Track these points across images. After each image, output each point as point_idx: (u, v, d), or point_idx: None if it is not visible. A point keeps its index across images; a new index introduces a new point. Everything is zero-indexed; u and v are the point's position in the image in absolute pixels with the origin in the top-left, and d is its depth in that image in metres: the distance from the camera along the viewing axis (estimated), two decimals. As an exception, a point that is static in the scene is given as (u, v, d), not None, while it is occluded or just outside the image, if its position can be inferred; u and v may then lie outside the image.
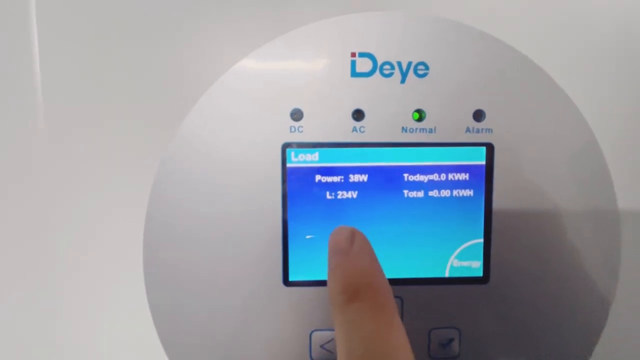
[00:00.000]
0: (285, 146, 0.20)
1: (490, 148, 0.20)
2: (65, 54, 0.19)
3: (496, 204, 0.20)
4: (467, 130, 0.20)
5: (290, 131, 0.20)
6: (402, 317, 0.21)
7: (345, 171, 0.20)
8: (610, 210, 0.21)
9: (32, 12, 0.19)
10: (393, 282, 0.20)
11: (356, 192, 0.20)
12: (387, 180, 0.20)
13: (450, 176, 0.20)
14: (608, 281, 0.21)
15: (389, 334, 0.14)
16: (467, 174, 0.20)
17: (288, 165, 0.20)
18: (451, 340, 0.21)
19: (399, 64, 0.20)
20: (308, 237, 0.20)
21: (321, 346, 0.21)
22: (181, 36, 0.19)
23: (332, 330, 0.20)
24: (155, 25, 0.19)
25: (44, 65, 0.19)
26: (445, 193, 0.20)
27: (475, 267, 0.21)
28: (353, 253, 0.16)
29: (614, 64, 0.20)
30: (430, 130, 0.20)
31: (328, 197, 0.20)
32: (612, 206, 0.21)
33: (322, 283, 0.20)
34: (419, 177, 0.20)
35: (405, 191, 0.20)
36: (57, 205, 0.20)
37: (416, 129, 0.20)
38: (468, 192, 0.20)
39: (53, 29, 0.19)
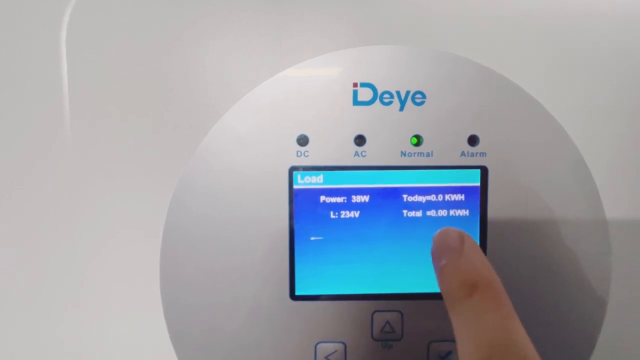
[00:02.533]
0: (292, 169, 0.21)
1: (484, 171, 0.22)
2: (92, 75, 0.21)
3: (490, 222, 0.22)
4: (462, 154, 0.21)
5: (297, 155, 0.21)
6: (402, 330, 0.22)
7: (347, 192, 0.22)
8: (598, 220, 0.22)
9: (63, 29, 0.21)
10: (393, 296, 0.22)
11: (358, 212, 0.22)
12: (387, 201, 0.22)
13: (447, 197, 0.22)
14: (601, 286, 0.22)
15: (513, 324, 0.15)
16: (463, 195, 0.22)
17: (294, 186, 0.21)
18: (449, 352, 0.22)
19: (398, 93, 0.21)
20: (318, 268, 0.22)
21: (326, 357, 0.22)
22: (201, 67, 0.21)
23: (337, 342, 0.21)
24: (178, 58, 0.21)
25: (72, 85, 0.21)
26: (443, 213, 0.22)
27: (471, 283, 0.22)
28: (466, 251, 0.17)
29: (599, 87, 0.22)
30: (428, 154, 0.21)
31: (332, 216, 0.22)
32: (600, 215, 0.22)
33: (327, 297, 0.22)
34: (418, 198, 0.22)
35: (405, 211, 0.22)
36: (85, 211, 0.22)
37: (414, 153, 0.21)
38: (464, 212, 0.22)
39: (82, 51, 0.21)
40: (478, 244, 0.22)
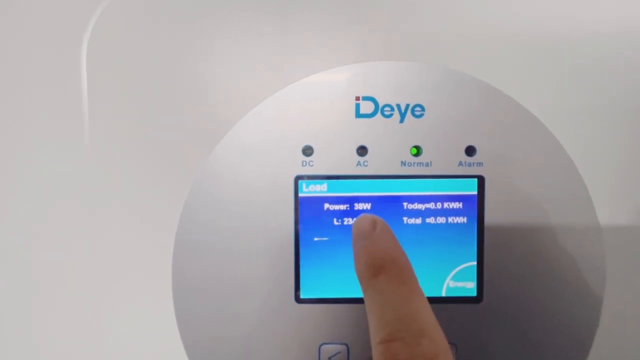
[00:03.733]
0: (298, 178, 0.22)
1: (481, 180, 0.23)
2: (110, 93, 0.23)
3: (488, 229, 0.23)
4: (460, 164, 0.22)
5: (302, 165, 0.22)
6: (402, 332, 0.23)
7: (350, 200, 0.23)
8: (592, 225, 0.23)
9: (84, 47, 0.22)
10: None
11: (361, 219, 0.23)
12: (388, 209, 0.23)
13: (446, 205, 0.23)
14: (596, 290, 0.23)
15: (416, 300, 0.16)
16: (461, 203, 0.23)
17: (300, 195, 0.22)
18: (448, 354, 0.23)
19: (398, 106, 0.22)
20: (322, 272, 0.23)
21: (329, 358, 0.23)
22: (212, 82, 0.22)
23: (340, 344, 0.22)
24: (190, 73, 0.22)
25: (92, 105, 0.23)
26: (441, 220, 0.23)
27: (469, 287, 0.23)
28: (376, 235, 0.18)
29: (590, 99, 0.23)
30: (427, 164, 0.22)
31: (335, 223, 0.23)
32: (593, 221, 0.23)
33: (330, 300, 0.23)
34: (417, 206, 0.23)
35: (405, 218, 0.23)
36: (98, 219, 0.23)
37: (414, 163, 0.22)
38: (462, 219, 0.23)
39: (102, 72, 0.22)
40: (475, 250, 0.23)
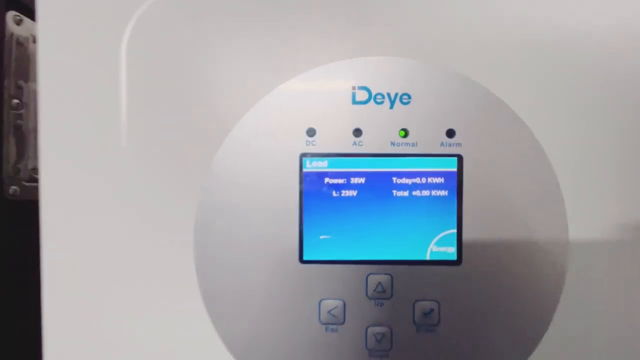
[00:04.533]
0: (302, 155, 0.26)
1: (460, 158, 0.26)
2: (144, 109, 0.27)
3: (466, 201, 0.26)
4: (442, 144, 0.26)
5: (306, 144, 0.26)
6: (392, 290, 0.26)
7: (347, 175, 0.26)
8: (556, 201, 0.26)
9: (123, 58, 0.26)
10: (385, 262, 0.26)
11: (356, 192, 0.26)
12: (379, 183, 0.26)
13: (429, 180, 0.26)
14: (561, 258, 0.26)
15: None
16: (443, 178, 0.26)
17: (304, 170, 0.26)
18: (432, 310, 0.26)
19: (388, 94, 0.26)
20: (322, 237, 0.26)
21: (328, 312, 0.26)
22: (227, 75, 0.26)
23: (337, 299, 0.26)
24: (202, 70, 0.26)
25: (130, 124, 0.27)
26: (425, 193, 0.26)
27: (450, 252, 0.26)
28: None
29: (566, 92, 0.26)
30: (413, 144, 0.26)
31: (334, 195, 0.26)
32: (558, 198, 0.26)
33: (329, 262, 0.26)
34: (405, 181, 0.26)
35: (394, 191, 0.26)
36: (135, 208, 0.27)
37: (402, 143, 0.26)
38: (443, 193, 0.26)
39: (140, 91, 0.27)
40: (455, 220, 0.26)
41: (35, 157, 0.41)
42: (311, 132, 0.26)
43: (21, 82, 0.39)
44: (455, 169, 0.26)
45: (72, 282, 0.27)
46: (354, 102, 0.26)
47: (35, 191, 0.40)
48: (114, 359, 0.27)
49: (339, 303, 0.26)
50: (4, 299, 0.37)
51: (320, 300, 0.26)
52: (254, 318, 0.26)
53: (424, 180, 0.26)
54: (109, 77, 0.27)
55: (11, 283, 0.38)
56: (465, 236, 0.26)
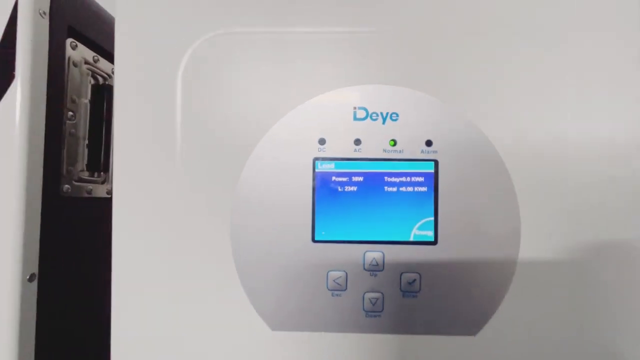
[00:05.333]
0: (315, 159, 0.34)
1: (436, 163, 0.34)
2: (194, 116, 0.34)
3: (441, 196, 0.34)
4: (422, 151, 0.34)
5: (318, 151, 0.34)
6: (383, 264, 0.34)
7: (349, 175, 0.34)
8: (511, 197, 0.34)
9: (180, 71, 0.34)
10: (378, 242, 0.33)
11: (356, 187, 0.34)
12: (374, 181, 0.34)
13: (413, 179, 0.34)
14: (514, 241, 0.34)
15: None
16: (423, 178, 0.34)
17: (316, 171, 0.34)
18: (414, 280, 0.34)
19: (382, 113, 0.34)
20: (327, 200, 0.34)
21: (334, 280, 0.34)
22: (255, 98, 0.34)
23: (341, 271, 0.33)
24: (229, 97, 0.34)
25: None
26: (410, 189, 0.34)
27: (429, 235, 0.34)
28: None
29: (528, 107, 0.34)
30: (400, 151, 0.34)
31: (339, 190, 0.34)
32: (512, 195, 0.34)
33: (335, 241, 0.34)
34: (393, 179, 0.34)
35: (385, 187, 0.34)
36: (183, 206, 0.34)
37: (392, 150, 0.34)
38: (423, 189, 0.34)
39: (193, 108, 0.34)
40: (433, 210, 0.34)
41: (83, 160, 0.48)
42: (322, 142, 0.34)
43: (74, 97, 0.47)
44: (432, 171, 0.34)
45: (139, 262, 0.34)
46: (355, 118, 0.34)
47: (82, 189, 0.47)
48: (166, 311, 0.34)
49: (342, 274, 0.34)
50: (56, 280, 0.44)
51: (328, 272, 0.34)
52: (276, 285, 0.34)
53: (408, 179, 0.34)
54: (167, 102, 0.35)
55: (63, 265, 0.45)
56: (441, 223, 0.34)
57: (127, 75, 0.35)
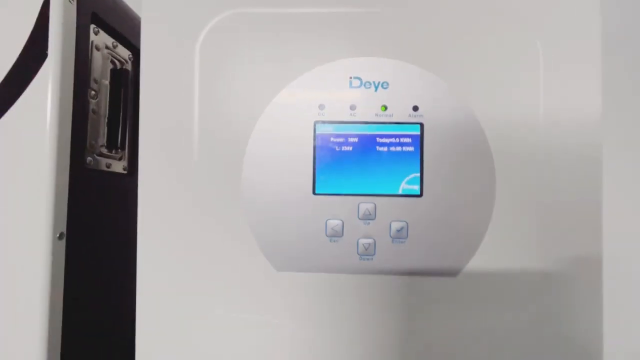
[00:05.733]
0: (315, 122, 0.39)
1: (422, 125, 0.39)
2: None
3: (426, 155, 0.39)
4: (409, 115, 0.39)
5: (318, 115, 0.39)
6: (375, 213, 0.38)
7: (346, 136, 0.39)
8: (487, 157, 0.38)
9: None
10: (371, 195, 0.38)
11: (351, 147, 0.39)
12: (367, 142, 0.39)
13: (401, 140, 0.39)
14: (488, 190, 0.38)
15: None
16: (410, 139, 0.39)
17: (317, 132, 0.39)
18: (402, 227, 0.38)
19: (374, 82, 0.39)
20: (325, 158, 0.39)
21: (332, 228, 0.38)
22: (260, 70, 0.39)
23: (338, 220, 0.38)
24: (235, 75, 0.39)
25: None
26: (398, 149, 0.39)
27: (415, 189, 0.39)
28: None
29: (507, 73, 0.39)
30: (390, 115, 0.39)
31: (337, 149, 0.39)
32: (489, 156, 0.38)
33: (333, 194, 0.38)
34: (385, 140, 0.39)
35: (377, 147, 0.39)
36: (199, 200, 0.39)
37: (382, 114, 0.39)
38: (411, 149, 0.39)
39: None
40: (419, 167, 0.39)
41: (104, 136, 0.53)
42: (322, 107, 0.39)
43: (97, 78, 0.52)
44: (418, 133, 0.39)
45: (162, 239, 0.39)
46: (350, 86, 0.39)
47: (102, 163, 0.52)
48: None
49: (339, 222, 0.38)
50: (81, 239, 0.48)
51: (327, 220, 0.38)
52: (281, 232, 0.38)
53: (397, 140, 0.39)
54: (186, 74, 0.39)
55: (87, 228, 0.50)
56: (426, 178, 0.39)
57: (151, 52, 0.40)
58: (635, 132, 0.71)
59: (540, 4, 0.39)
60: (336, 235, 0.38)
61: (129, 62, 0.59)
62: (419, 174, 0.38)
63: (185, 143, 0.39)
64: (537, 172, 0.38)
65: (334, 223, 0.38)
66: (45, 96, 0.42)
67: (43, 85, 0.42)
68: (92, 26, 0.51)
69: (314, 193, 0.38)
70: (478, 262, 0.38)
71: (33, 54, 0.43)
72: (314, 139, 0.39)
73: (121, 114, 0.57)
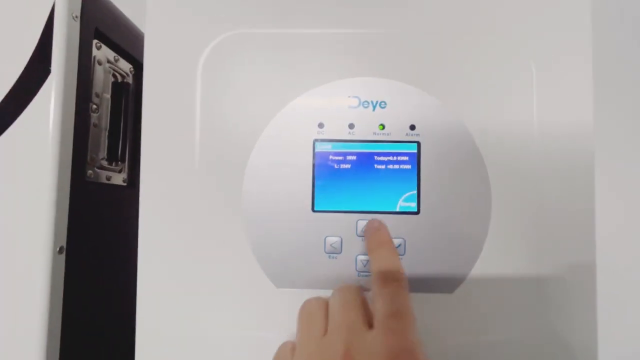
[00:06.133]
0: (315, 140, 0.39)
1: (419, 144, 0.40)
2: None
3: (423, 173, 0.39)
4: (407, 134, 0.40)
5: (317, 133, 0.39)
6: (373, 230, 0.39)
7: (344, 154, 0.39)
8: (483, 177, 0.39)
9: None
10: (369, 212, 0.39)
11: (349, 165, 0.39)
12: (365, 160, 0.39)
13: (398, 158, 0.39)
14: (484, 208, 0.39)
15: (408, 302, 0.31)
16: (407, 157, 0.40)
17: (316, 150, 0.39)
18: (400, 244, 0.39)
19: (372, 101, 0.40)
20: (324, 175, 0.39)
21: (331, 245, 0.39)
22: (262, 87, 0.40)
23: (336, 237, 0.38)
24: (237, 90, 0.40)
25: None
26: (396, 167, 0.40)
27: (412, 206, 0.39)
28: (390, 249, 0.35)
29: (500, 91, 0.40)
30: (388, 134, 0.40)
31: (335, 167, 0.39)
32: (484, 175, 0.39)
33: (332, 211, 0.39)
34: (382, 158, 0.39)
35: (375, 165, 0.39)
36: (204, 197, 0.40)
37: (380, 133, 0.40)
38: (408, 166, 0.39)
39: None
40: (416, 184, 0.39)
41: (104, 150, 0.54)
42: (321, 125, 0.40)
43: (98, 92, 0.52)
44: (415, 151, 0.40)
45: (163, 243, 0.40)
46: (349, 106, 0.40)
47: (102, 176, 0.52)
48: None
49: (338, 239, 0.39)
50: (81, 254, 0.48)
51: (325, 237, 0.39)
52: (281, 248, 0.39)
53: (395, 158, 0.39)
54: (186, 98, 0.40)
55: (87, 241, 0.50)
56: (422, 196, 0.39)
57: (154, 67, 0.41)
58: (627, 141, 0.72)
59: (533, 24, 0.40)
60: (335, 252, 0.39)
61: (130, 75, 0.60)
62: (416, 192, 0.39)
63: (186, 158, 0.40)
64: (532, 186, 0.39)
65: (333, 240, 0.39)
66: (48, 112, 0.43)
67: (46, 101, 0.43)
68: (95, 41, 0.52)
69: (312, 210, 0.39)
70: (474, 279, 0.39)
71: (36, 70, 0.43)
72: (313, 157, 0.39)
73: (122, 126, 0.58)
